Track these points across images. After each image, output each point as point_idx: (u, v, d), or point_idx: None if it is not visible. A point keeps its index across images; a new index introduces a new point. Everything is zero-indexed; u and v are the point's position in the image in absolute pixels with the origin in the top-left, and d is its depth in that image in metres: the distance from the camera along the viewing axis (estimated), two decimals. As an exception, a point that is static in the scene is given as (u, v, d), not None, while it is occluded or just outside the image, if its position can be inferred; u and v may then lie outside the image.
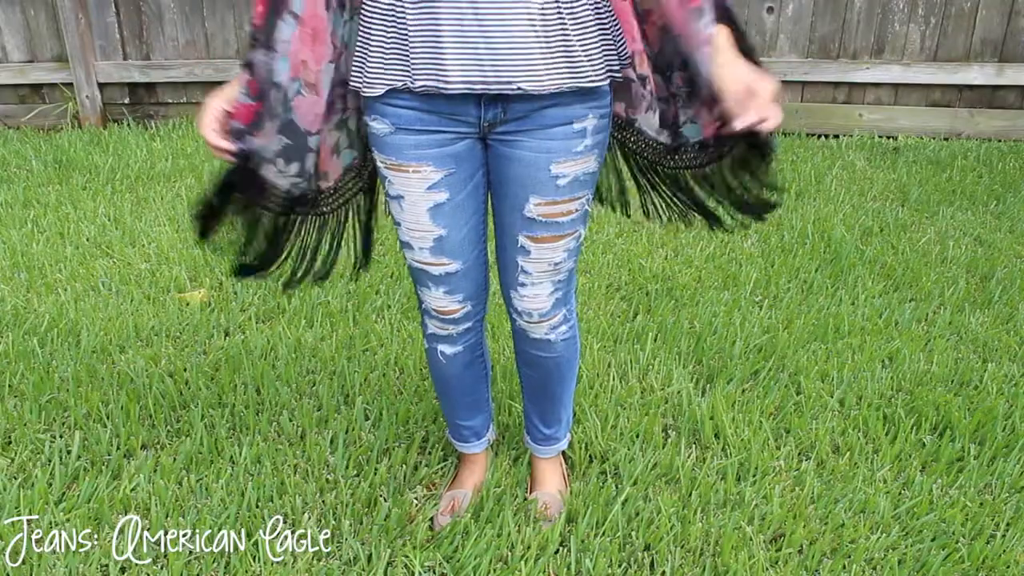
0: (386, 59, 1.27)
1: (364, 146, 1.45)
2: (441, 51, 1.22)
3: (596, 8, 1.28)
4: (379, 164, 1.39)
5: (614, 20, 1.31)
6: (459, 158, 1.36)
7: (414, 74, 1.25)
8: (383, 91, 1.30)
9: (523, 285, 1.48)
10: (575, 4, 1.24)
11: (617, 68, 1.33)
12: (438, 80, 1.24)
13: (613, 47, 1.31)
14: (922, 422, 2.04)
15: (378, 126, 1.35)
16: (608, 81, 1.33)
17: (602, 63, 1.30)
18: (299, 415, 2.03)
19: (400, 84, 1.27)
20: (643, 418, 2.03)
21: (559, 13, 1.22)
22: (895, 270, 2.87)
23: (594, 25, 1.28)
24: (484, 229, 1.48)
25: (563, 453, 1.89)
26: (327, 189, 1.46)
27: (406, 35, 1.23)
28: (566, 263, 1.46)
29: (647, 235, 3.14)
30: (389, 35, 1.25)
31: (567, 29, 1.23)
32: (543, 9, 1.21)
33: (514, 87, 1.23)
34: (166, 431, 1.99)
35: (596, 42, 1.28)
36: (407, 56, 1.24)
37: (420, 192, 1.37)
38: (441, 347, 1.61)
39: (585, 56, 1.26)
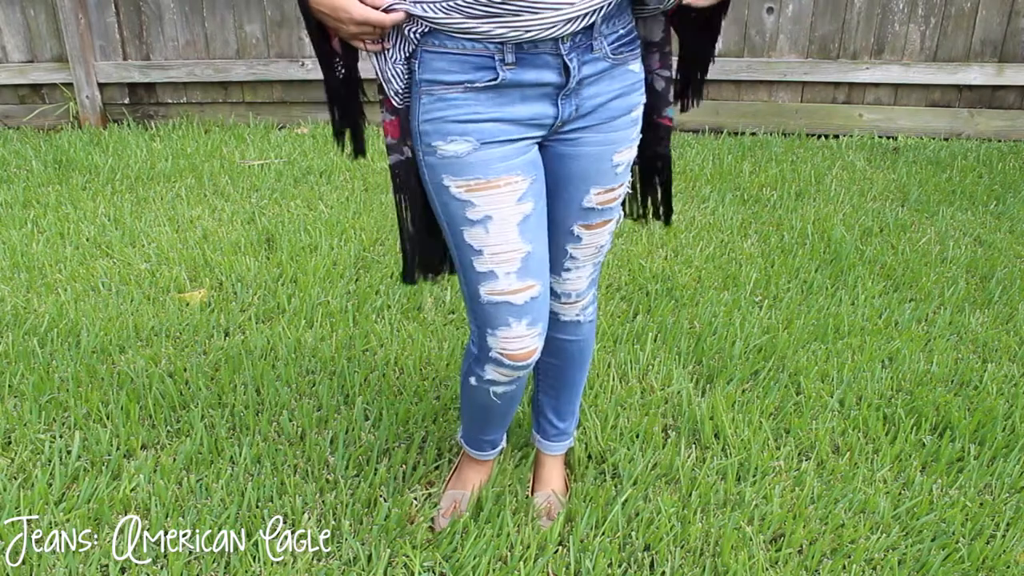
0: None
1: None
2: None
3: None
4: (456, 190, 1.30)
5: None
6: (536, 164, 1.36)
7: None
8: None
9: (568, 270, 1.52)
10: None
11: None
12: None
13: None
14: (922, 422, 2.04)
15: (458, 147, 1.28)
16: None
17: None
18: (299, 415, 2.03)
19: None
20: (643, 418, 2.03)
21: None
22: (895, 270, 2.87)
23: None
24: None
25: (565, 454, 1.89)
26: None
27: None
28: (607, 244, 1.52)
29: (647, 235, 3.14)
30: None
31: None
32: None
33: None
34: (166, 431, 1.99)
35: None
36: None
37: (511, 206, 1.31)
38: (495, 389, 1.51)
39: None
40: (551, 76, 1.26)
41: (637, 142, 1.42)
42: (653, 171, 1.52)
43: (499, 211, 1.31)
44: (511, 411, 1.66)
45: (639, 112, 1.40)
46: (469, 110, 1.25)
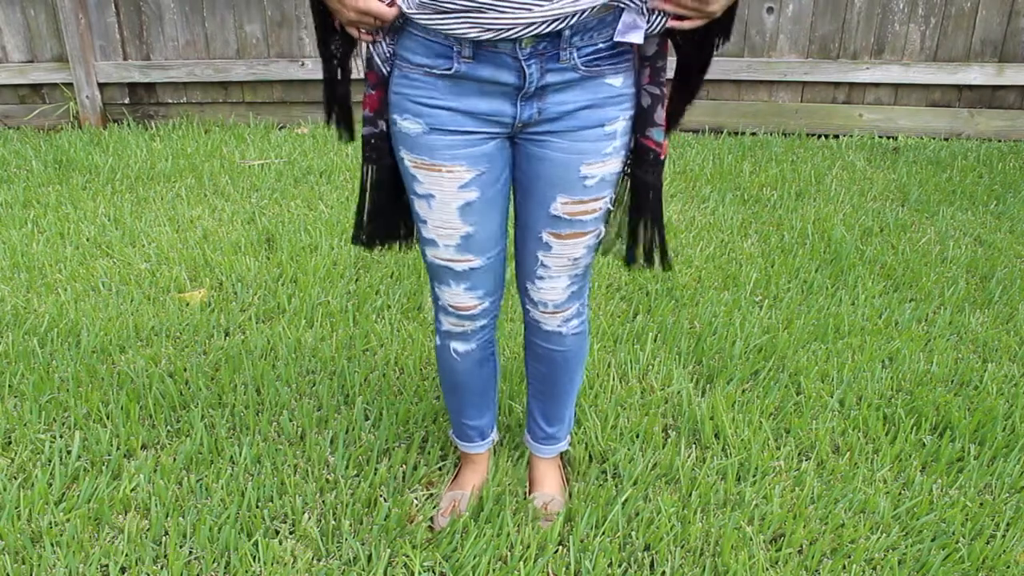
0: None
1: None
2: None
3: None
4: (408, 163, 1.40)
5: None
6: (490, 158, 1.38)
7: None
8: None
9: (541, 278, 1.51)
10: None
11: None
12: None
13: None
14: (922, 422, 2.04)
15: (411, 126, 1.36)
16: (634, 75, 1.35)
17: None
18: (299, 415, 2.03)
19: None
20: (643, 418, 2.03)
21: None
22: (895, 270, 2.87)
23: None
24: (506, 225, 1.49)
25: (562, 455, 1.89)
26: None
27: None
28: (584, 258, 1.50)
29: (647, 235, 3.14)
30: None
31: None
32: None
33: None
34: (166, 431, 1.99)
35: None
36: None
37: (452, 192, 1.38)
38: (454, 344, 1.61)
39: None
40: (508, 77, 1.28)
41: (615, 159, 1.39)
42: (637, 197, 1.43)
43: (440, 193, 1.40)
44: (485, 388, 1.69)
45: (617, 127, 1.36)
46: (426, 93, 1.32)
